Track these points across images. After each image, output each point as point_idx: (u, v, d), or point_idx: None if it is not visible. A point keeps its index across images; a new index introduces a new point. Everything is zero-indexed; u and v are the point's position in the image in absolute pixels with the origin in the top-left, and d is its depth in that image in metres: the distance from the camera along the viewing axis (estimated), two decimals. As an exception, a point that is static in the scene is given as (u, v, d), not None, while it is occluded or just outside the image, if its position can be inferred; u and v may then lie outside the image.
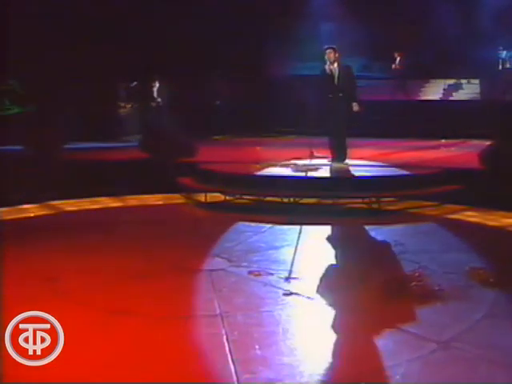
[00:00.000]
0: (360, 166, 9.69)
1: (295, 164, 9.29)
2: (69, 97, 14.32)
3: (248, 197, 8.69)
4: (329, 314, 4.56)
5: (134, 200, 9.07)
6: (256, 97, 18.67)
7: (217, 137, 16.69)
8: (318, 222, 7.58)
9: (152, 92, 15.00)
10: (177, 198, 9.16)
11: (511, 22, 18.79)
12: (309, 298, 4.84)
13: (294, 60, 20.38)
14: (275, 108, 18.26)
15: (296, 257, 6.00)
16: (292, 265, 5.74)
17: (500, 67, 20.23)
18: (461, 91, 20.07)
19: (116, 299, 4.87)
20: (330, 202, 8.54)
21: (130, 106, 14.77)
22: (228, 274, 5.48)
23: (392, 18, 20.14)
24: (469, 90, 20.16)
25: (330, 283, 5.26)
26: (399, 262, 5.90)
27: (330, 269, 5.70)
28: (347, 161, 9.83)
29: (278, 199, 8.59)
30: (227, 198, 8.78)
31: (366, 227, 7.41)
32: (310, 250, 6.39)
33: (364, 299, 4.85)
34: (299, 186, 8.56)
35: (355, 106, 9.81)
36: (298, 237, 6.89)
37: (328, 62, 9.80)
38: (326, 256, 6.16)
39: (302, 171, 8.81)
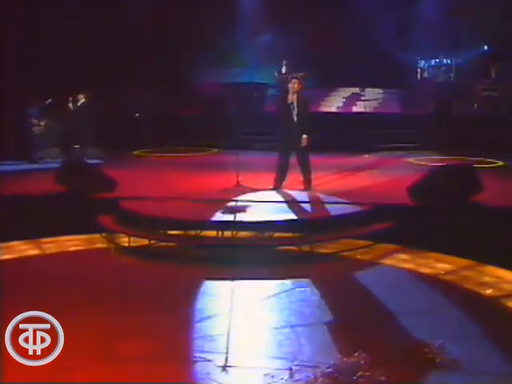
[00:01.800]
0: (285, 201, 9.39)
1: (224, 205, 8.80)
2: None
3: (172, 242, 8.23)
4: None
5: (51, 245, 8.42)
6: (177, 108, 18.15)
7: (136, 152, 16.05)
8: (249, 276, 7.21)
9: (68, 108, 14.21)
10: (98, 241, 8.58)
11: (429, 31, 19.02)
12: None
13: (218, 67, 19.98)
14: (198, 119, 17.80)
15: (232, 330, 5.60)
16: (228, 342, 5.34)
17: (418, 77, 20.45)
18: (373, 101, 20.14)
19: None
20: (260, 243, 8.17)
21: (43, 123, 13.93)
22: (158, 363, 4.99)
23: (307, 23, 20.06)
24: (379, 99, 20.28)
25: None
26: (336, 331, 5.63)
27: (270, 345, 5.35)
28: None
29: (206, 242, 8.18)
30: (152, 242, 8.28)
31: (299, 283, 7.06)
32: (245, 316, 6.00)
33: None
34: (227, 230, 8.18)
35: (304, 140, 9.64)
36: (231, 295, 6.52)
37: (291, 92, 9.74)
38: (264, 325, 5.79)
39: (230, 212, 8.38)
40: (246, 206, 8.68)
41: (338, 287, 6.92)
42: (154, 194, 9.80)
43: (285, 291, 6.70)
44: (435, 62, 20.22)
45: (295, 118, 9.76)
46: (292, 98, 9.75)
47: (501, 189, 10.09)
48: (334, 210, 8.86)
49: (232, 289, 6.78)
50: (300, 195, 9.71)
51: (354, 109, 19.94)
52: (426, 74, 20.40)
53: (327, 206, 9.14)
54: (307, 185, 10.00)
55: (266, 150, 13.75)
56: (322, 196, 9.70)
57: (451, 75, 20.00)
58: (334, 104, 20.19)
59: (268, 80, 19.27)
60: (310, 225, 8.35)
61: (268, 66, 19.31)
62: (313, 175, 10.21)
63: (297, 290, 6.79)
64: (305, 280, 7.13)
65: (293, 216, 8.55)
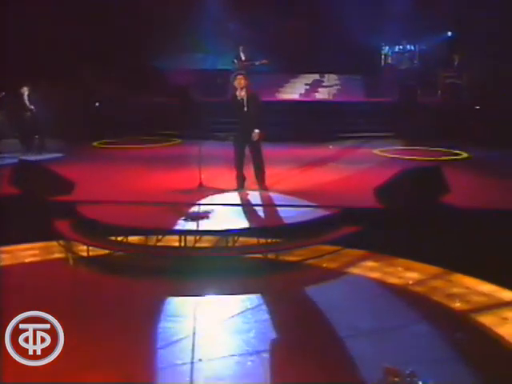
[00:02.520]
0: (249, 205, 9.09)
1: (186, 211, 8.44)
2: None
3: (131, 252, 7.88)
4: None
5: (6, 255, 7.98)
6: (139, 95, 17.63)
7: (96, 143, 15.56)
8: (212, 290, 6.91)
9: (23, 100, 13.65)
10: (56, 250, 8.16)
11: (393, 17, 18.76)
12: None
13: (181, 53, 19.48)
14: (161, 107, 17.35)
15: (196, 358, 5.30)
16: (192, 373, 5.04)
17: (382, 63, 20.24)
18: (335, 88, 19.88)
19: None
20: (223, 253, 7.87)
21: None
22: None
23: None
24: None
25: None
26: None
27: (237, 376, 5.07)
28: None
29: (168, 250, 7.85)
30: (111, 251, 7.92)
31: (264, 298, 6.79)
32: (209, 342, 5.71)
33: None
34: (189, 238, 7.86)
35: (255, 135, 9.44)
36: (194, 314, 6.22)
37: (238, 89, 9.51)
38: (230, 351, 5.51)
39: (192, 219, 8.04)
40: (208, 212, 8.33)
41: (303, 302, 6.66)
42: (114, 195, 9.44)
43: (250, 308, 6.41)
44: (399, 48, 20.02)
45: (246, 114, 9.52)
46: (240, 94, 9.47)
47: (467, 187, 9.93)
48: (300, 214, 8.57)
49: (195, 307, 6.47)
50: (262, 197, 9.41)
51: (317, 96, 19.67)
52: (389, 60, 20.17)
53: (291, 209, 8.79)
54: (261, 183, 9.76)
55: (230, 140, 13.29)
56: (284, 198, 9.40)
57: (415, 62, 19.82)
58: (295, 91, 19.90)
59: (232, 66, 18.79)
60: (275, 232, 8.03)
61: (231, 51, 18.83)
62: (271, 171, 10.06)
63: (262, 306, 6.52)
64: (270, 294, 6.85)
65: (257, 223, 8.26)
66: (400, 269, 7.61)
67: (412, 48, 19.88)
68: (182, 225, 7.95)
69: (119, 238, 7.96)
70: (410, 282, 7.20)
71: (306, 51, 19.98)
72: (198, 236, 7.98)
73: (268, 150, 10.37)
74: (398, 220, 8.49)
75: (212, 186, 9.84)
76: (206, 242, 8.07)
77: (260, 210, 8.92)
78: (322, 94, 19.89)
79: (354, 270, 7.60)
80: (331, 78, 20.16)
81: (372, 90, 19.30)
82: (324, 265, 7.78)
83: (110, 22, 17.98)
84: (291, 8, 20.30)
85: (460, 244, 7.94)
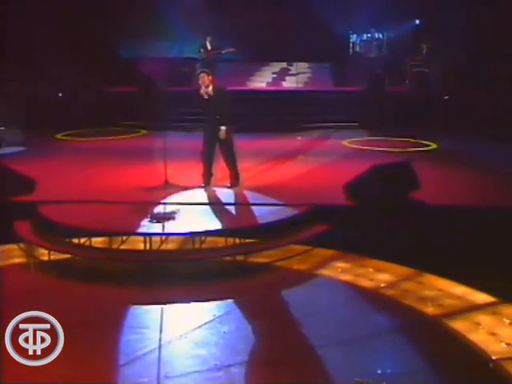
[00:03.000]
0: (216, 203, 8.83)
1: (151, 211, 8.11)
2: None
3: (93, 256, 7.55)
4: None
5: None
6: (103, 85, 17.13)
7: (60, 135, 15.10)
8: (179, 297, 6.64)
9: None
10: (16, 254, 7.79)
11: (361, 5, 18.52)
12: None
13: (146, 40, 18.99)
14: (126, 97, 16.90)
15: (161, 375, 5.04)
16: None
17: (350, 51, 20.01)
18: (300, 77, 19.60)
19: None
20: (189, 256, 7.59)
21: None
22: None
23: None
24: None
25: None
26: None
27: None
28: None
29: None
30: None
31: (232, 304, 6.57)
32: (175, 356, 5.44)
33: None
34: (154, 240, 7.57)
35: (222, 133, 9.16)
36: (159, 325, 5.94)
37: (202, 86, 9.16)
38: (198, 366, 5.24)
39: (157, 220, 7.74)
40: (175, 212, 8.02)
41: (273, 309, 6.44)
42: (77, 193, 9.08)
43: (218, 316, 6.16)
44: (367, 36, 19.79)
45: (213, 111, 9.20)
46: (205, 91, 9.15)
47: (438, 182, 9.79)
48: (269, 213, 8.32)
49: (160, 316, 6.20)
50: (230, 195, 9.15)
51: (284, 84, 19.37)
52: (357, 49, 19.95)
53: (260, 208, 8.54)
54: (234, 181, 9.49)
55: (197, 131, 12.95)
56: (253, 196, 9.15)
57: (383, 50, 19.62)
58: (263, 80, 19.55)
59: (197, 54, 18.34)
60: (243, 233, 7.78)
61: (198, 39, 18.40)
62: (240, 166, 9.70)
63: (231, 314, 6.28)
64: (239, 300, 6.62)
65: (225, 223, 7.98)
66: (371, 270, 7.43)
67: (380, 36, 19.67)
68: (147, 227, 7.63)
69: (81, 241, 7.62)
70: (382, 285, 7.03)
71: (274, 39, 19.62)
72: (164, 237, 7.67)
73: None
74: (368, 218, 8.32)
75: (178, 182, 9.53)
76: (172, 244, 7.78)
77: (228, 210, 8.67)
78: (289, 83, 19.60)
79: (325, 272, 7.41)
80: (299, 67, 19.87)
81: (340, 78, 19.09)
82: (294, 266, 7.57)
83: (72, 8, 17.38)
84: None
85: (431, 243, 7.82)
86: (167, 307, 6.43)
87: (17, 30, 15.91)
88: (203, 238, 7.66)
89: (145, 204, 8.51)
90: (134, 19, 18.65)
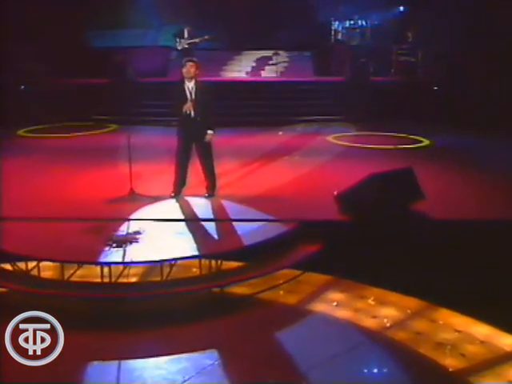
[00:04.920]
0: (189, 219, 7.37)
1: (110, 232, 6.62)
2: None
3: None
4: None
5: None
6: (70, 76, 15.45)
7: (21, 131, 13.49)
8: (138, 348, 5.19)
9: None
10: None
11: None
12: None
13: (116, 28, 17.40)
14: (95, 89, 15.30)
15: None
16: None
17: (332, 39, 18.52)
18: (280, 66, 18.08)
19: None
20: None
21: None
22: None
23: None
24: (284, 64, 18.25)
25: None
26: None
27: None
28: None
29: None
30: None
31: (204, 358, 5.11)
32: None
33: None
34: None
35: (210, 136, 7.77)
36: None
37: (186, 78, 7.66)
38: None
39: (117, 245, 6.26)
40: (139, 233, 6.55)
41: (256, 362, 5.01)
42: (20, 207, 7.39)
43: (191, 377, 4.72)
44: (350, 23, 18.33)
45: (193, 110, 7.68)
46: (188, 85, 7.64)
47: (440, 189, 8.38)
48: (251, 232, 6.87)
49: (118, 374, 4.75)
50: (206, 208, 7.68)
51: (264, 74, 17.86)
52: (340, 37, 18.46)
53: (240, 225, 7.08)
54: (211, 190, 8.03)
55: (168, 126, 11.37)
56: (233, 209, 7.72)
57: (366, 37, 18.16)
58: (241, 69, 18.01)
59: (173, 43, 16.69)
60: (221, 257, 6.34)
61: (173, 25, 16.80)
62: (218, 169, 8.23)
63: (204, 371, 4.84)
64: (216, 350, 5.19)
65: (199, 247, 6.50)
66: (372, 302, 6.07)
67: (364, 23, 18.21)
68: (105, 253, 6.14)
69: (20, 268, 6.12)
70: (388, 324, 5.65)
71: (253, 26, 18.12)
72: (125, 267, 6.21)
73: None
74: (366, 235, 6.92)
75: (146, 191, 8.06)
76: (134, 275, 6.32)
77: (203, 228, 7.14)
78: (268, 73, 18.08)
79: (319, 307, 6.02)
80: (279, 55, 18.32)
81: (322, 68, 17.58)
82: (281, 299, 6.16)
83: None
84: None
85: (439, 265, 6.43)
86: (125, 365, 4.97)
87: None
88: (172, 265, 6.20)
89: (103, 221, 6.98)
90: (104, 6, 17.04)
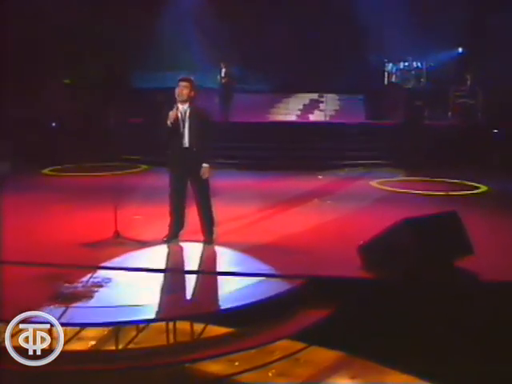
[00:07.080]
0: (176, 270, 5.74)
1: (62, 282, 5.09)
2: None
3: None
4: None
5: None
6: (109, 116, 14.39)
7: (47, 170, 12.36)
8: None
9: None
10: None
11: (397, 31, 15.45)
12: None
13: (158, 70, 16.38)
14: (133, 129, 14.16)
15: None
16: None
17: (386, 82, 16.90)
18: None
19: None
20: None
21: None
22: None
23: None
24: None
25: None
26: None
27: None
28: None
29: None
30: None
31: None
32: None
33: None
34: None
35: (206, 170, 6.25)
36: None
37: (177, 102, 6.20)
38: None
39: (62, 299, 4.70)
40: (99, 284, 4.98)
41: None
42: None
43: None
44: (404, 65, 16.72)
45: (186, 139, 6.22)
46: (181, 108, 6.16)
47: (491, 240, 6.50)
48: (242, 290, 5.19)
49: None
50: (196, 256, 6.09)
51: (312, 118, 16.38)
52: (394, 79, 16.81)
53: (232, 282, 5.41)
54: (207, 236, 6.40)
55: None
56: (229, 259, 6.09)
57: (422, 80, 16.44)
58: (287, 112, 16.63)
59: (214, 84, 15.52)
60: (201, 319, 4.69)
61: (216, 68, 15.68)
62: (231, 211, 7.13)
63: None
64: None
65: (175, 307, 4.87)
66: (393, 396, 4.22)
67: (419, 65, 16.53)
68: (48, 310, 4.58)
69: None
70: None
71: (303, 69, 16.80)
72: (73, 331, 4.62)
73: (239, 181, 7.71)
74: (392, 298, 5.15)
75: (135, 235, 6.52)
76: (84, 342, 4.71)
77: (184, 281, 5.51)
78: (318, 116, 16.59)
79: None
80: (329, 98, 16.81)
81: (375, 111, 15.94)
82: (272, 386, 4.41)
83: (83, 28, 14.92)
84: (287, 20, 17.15)
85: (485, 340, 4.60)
86: None
87: (18, 47, 13.44)
88: (136, 330, 4.59)
89: (63, 267, 5.44)
90: (148, 48, 16.10)
